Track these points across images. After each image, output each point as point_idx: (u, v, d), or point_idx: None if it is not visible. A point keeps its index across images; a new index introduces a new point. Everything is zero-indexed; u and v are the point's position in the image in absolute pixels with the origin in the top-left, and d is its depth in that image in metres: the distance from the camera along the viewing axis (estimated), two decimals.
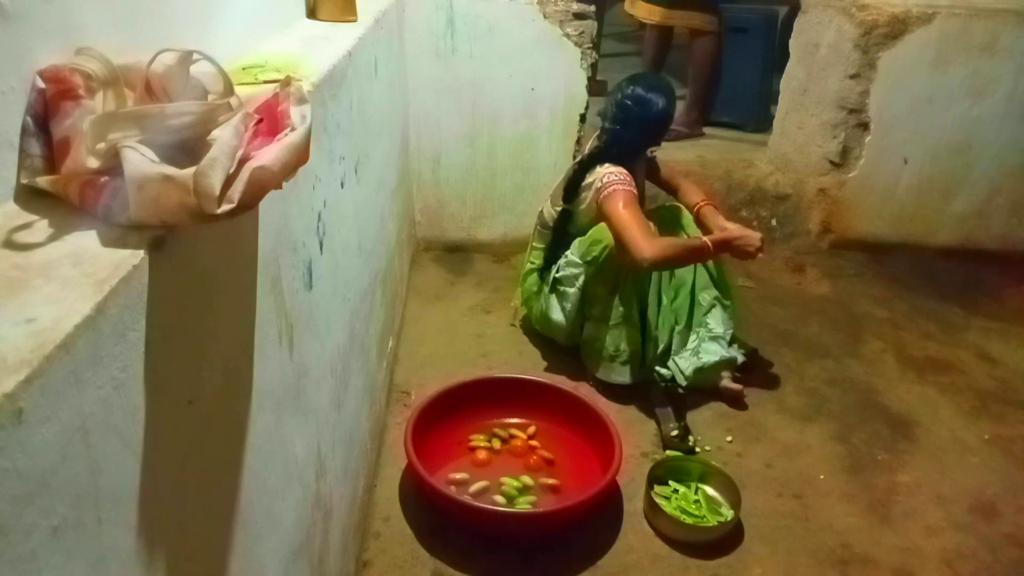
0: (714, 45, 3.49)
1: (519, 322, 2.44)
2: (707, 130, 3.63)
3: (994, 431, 2.11)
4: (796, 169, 3.10)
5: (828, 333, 2.54)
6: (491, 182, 2.83)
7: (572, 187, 2.17)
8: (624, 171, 2.07)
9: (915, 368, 2.38)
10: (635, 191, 2.05)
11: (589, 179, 2.12)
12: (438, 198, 2.88)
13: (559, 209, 2.22)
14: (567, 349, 2.26)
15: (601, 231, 2.06)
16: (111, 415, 0.53)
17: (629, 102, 2.10)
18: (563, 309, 2.19)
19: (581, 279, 2.12)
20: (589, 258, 2.08)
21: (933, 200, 2.96)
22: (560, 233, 2.23)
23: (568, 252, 2.17)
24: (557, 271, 2.19)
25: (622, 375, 2.12)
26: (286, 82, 0.74)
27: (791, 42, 3.13)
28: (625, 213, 1.98)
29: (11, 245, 0.55)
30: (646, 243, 1.92)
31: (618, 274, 2.06)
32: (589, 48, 2.65)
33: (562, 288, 2.18)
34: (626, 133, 2.11)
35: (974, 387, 2.30)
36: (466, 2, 2.55)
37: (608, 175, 2.06)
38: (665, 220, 2.23)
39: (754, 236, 2.05)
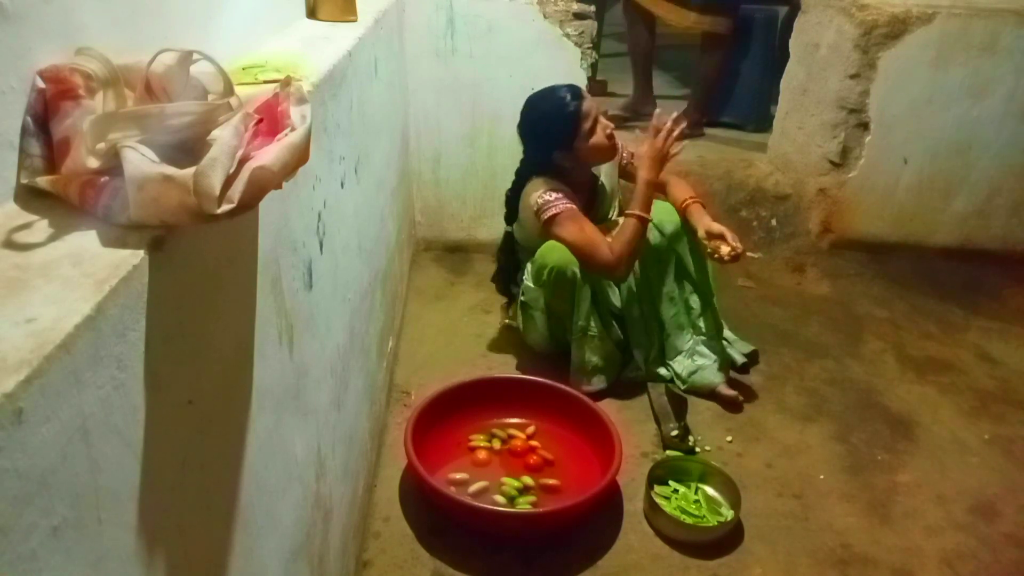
0: (729, 49, 3.48)
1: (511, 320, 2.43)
2: (707, 130, 3.62)
3: (994, 431, 2.11)
4: (796, 169, 3.10)
5: (828, 333, 2.54)
6: (491, 182, 2.83)
7: (511, 208, 2.20)
8: (551, 187, 2.02)
9: (915, 368, 2.38)
10: (571, 204, 2.01)
11: (522, 199, 2.10)
12: (438, 198, 2.88)
13: (508, 231, 2.25)
14: (564, 351, 2.26)
15: (544, 254, 2.03)
16: (111, 415, 0.53)
17: (524, 112, 2.12)
18: (537, 330, 2.20)
19: (541, 301, 2.13)
20: (540, 282, 2.07)
21: (933, 200, 2.95)
22: (508, 252, 2.27)
23: (524, 276, 2.17)
24: (523, 294, 2.19)
25: (599, 383, 2.12)
26: (286, 82, 0.74)
27: (791, 42, 3.13)
28: (572, 232, 1.98)
29: (11, 245, 0.55)
30: (606, 252, 1.96)
31: (572, 290, 2.03)
32: (589, 48, 2.65)
33: (530, 311, 2.18)
34: (533, 143, 2.11)
35: (974, 387, 2.30)
36: (466, 2, 2.55)
37: (539, 197, 2.02)
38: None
39: (725, 249, 1.98)
